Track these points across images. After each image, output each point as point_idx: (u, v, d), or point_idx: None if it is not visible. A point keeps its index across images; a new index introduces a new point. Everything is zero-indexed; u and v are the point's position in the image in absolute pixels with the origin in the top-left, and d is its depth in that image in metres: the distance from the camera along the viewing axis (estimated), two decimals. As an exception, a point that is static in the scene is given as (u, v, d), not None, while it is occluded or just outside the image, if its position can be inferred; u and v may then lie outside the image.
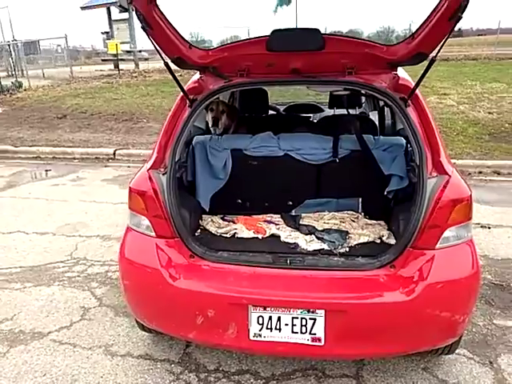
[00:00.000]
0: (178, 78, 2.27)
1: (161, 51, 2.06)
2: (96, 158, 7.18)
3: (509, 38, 30.64)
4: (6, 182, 5.97)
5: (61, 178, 6.10)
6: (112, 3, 18.10)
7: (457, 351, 2.38)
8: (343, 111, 3.46)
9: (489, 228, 4.15)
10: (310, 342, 1.87)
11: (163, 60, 2.12)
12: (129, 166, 6.69)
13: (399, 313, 1.83)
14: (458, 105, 8.68)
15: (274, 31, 2.11)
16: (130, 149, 7.31)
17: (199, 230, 2.48)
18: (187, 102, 2.34)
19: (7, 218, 4.54)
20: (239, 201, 2.76)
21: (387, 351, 1.95)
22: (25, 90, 12.86)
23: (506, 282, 3.18)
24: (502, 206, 4.75)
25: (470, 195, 1.96)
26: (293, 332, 1.88)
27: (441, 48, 1.87)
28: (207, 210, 2.62)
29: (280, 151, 2.62)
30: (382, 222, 2.50)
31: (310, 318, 1.86)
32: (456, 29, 1.81)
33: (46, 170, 6.50)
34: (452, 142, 6.91)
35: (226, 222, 2.54)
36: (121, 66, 17.22)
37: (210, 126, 2.95)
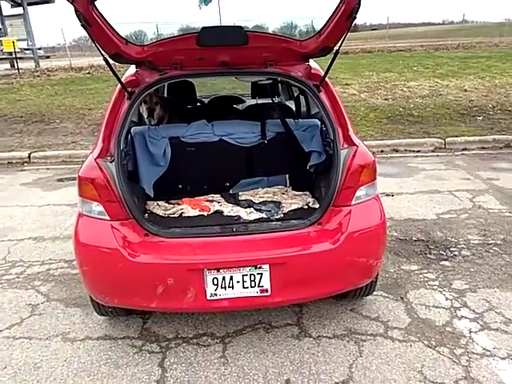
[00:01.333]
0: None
1: (100, 48, 2.20)
2: (9, 162, 6.76)
3: (396, 32, 34.05)
4: None
5: (-28, 186, 5.69)
6: (2, -3, 16.60)
7: (374, 293, 2.90)
8: (264, 100, 3.83)
9: (392, 196, 4.86)
10: (259, 294, 2.20)
11: (102, 56, 2.27)
12: (48, 169, 6.45)
13: (328, 260, 2.24)
14: (359, 93, 9.65)
15: (203, 28, 2.38)
16: (46, 151, 7.00)
17: (146, 214, 2.66)
18: (125, 94, 2.50)
19: None
20: (180, 186, 2.99)
21: (321, 292, 2.36)
22: None
23: (408, 237, 3.83)
24: (401, 177, 5.55)
25: (374, 160, 2.43)
26: (244, 287, 2.19)
27: (342, 42, 2.30)
28: (152, 195, 2.81)
29: (215, 137, 2.90)
30: (308, 193, 2.91)
31: (258, 273, 2.19)
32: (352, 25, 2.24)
33: (-48, 179, 6.00)
34: (357, 125, 7.73)
35: (172, 205, 2.76)
36: (19, 65, 15.92)
37: (145, 117, 3.11)
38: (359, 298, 2.82)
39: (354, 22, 2.18)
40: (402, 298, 2.91)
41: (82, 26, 2.02)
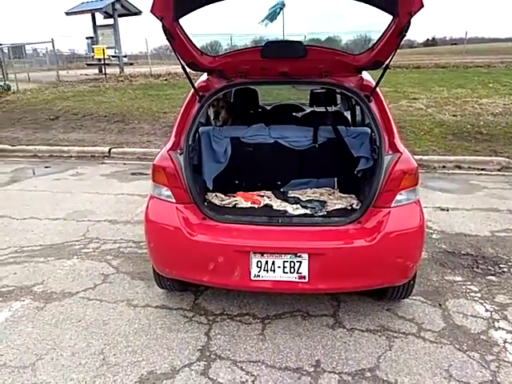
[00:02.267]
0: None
1: (179, 57, 2.61)
2: (92, 156, 7.62)
3: (477, 47, 32.34)
4: (10, 177, 6.37)
5: (61, 174, 6.54)
6: (97, 9, 18.44)
7: (413, 297, 3.01)
8: (321, 109, 4.07)
9: (447, 210, 4.83)
10: (297, 280, 2.45)
11: (180, 64, 2.68)
12: (124, 163, 7.17)
13: (364, 255, 2.43)
14: (426, 108, 9.47)
15: (267, 42, 2.71)
16: (124, 147, 7.78)
17: (205, 203, 3.03)
18: (197, 97, 2.90)
19: (19, 207, 4.97)
20: (236, 181, 3.33)
21: (356, 285, 2.54)
22: (13, 92, 13.10)
23: (457, 250, 3.84)
24: (459, 193, 5.47)
25: (416, 167, 2.58)
26: (284, 272, 2.45)
27: (392, 57, 2.50)
28: (211, 188, 3.17)
29: (270, 139, 3.20)
30: (353, 195, 3.10)
31: (297, 261, 2.44)
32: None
33: (46, 167, 6.92)
34: (420, 140, 7.66)
35: (227, 197, 3.10)
36: (106, 71, 17.56)
37: (211, 118, 3.51)
38: (396, 299, 2.95)
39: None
40: (440, 305, 2.98)
41: (167, 39, 2.43)
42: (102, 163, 7.26)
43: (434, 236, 4.12)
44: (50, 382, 2.26)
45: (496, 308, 2.94)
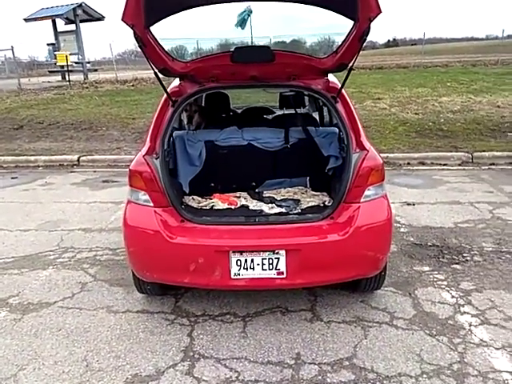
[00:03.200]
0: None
1: (151, 63, 2.66)
2: (60, 165, 7.47)
3: (435, 47, 33.70)
4: (-26, 189, 6.16)
5: (30, 184, 6.38)
6: (58, 15, 18.00)
7: (384, 288, 3.17)
8: (291, 111, 4.20)
9: (413, 205, 5.07)
10: (275, 276, 2.54)
11: (153, 70, 2.72)
12: (95, 171, 7.08)
13: (337, 248, 2.56)
14: (389, 108, 9.84)
15: (237, 47, 2.80)
16: (93, 155, 7.67)
17: (183, 206, 3.08)
18: (170, 102, 2.95)
19: (-14, 220, 4.84)
20: (212, 184, 3.39)
21: (331, 278, 2.66)
22: (-29, 102, 12.60)
23: (424, 242, 4.05)
24: (424, 188, 5.74)
25: (382, 163, 2.73)
26: (263, 269, 2.54)
27: (355, 59, 2.64)
28: (187, 191, 3.23)
29: (244, 141, 3.29)
30: (325, 193, 3.23)
31: (275, 258, 2.53)
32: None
33: (13, 178, 6.73)
34: (385, 138, 7.96)
35: (204, 199, 3.16)
36: (70, 78, 17.16)
37: (185, 123, 3.56)
38: (369, 290, 3.09)
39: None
40: (410, 294, 3.15)
41: (138, 46, 2.47)
42: (72, 172, 7.14)
43: (401, 230, 4.32)
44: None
45: (461, 294, 3.13)
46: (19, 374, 2.38)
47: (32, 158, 7.56)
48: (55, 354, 2.55)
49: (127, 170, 2.81)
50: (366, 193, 2.65)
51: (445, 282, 3.31)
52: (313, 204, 3.01)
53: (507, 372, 2.35)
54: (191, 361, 2.48)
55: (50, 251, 4.00)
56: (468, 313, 2.90)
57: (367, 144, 2.79)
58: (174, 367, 2.43)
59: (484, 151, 7.14)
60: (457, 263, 3.62)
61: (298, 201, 3.08)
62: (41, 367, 2.44)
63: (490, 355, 2.48)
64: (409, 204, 5.10)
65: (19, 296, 3.23)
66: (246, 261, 2.53)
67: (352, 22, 2.48)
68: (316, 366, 2.42)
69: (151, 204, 2.65)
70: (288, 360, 2.48)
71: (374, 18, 2.25)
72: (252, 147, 3.29)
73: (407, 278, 3.41)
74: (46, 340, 2.68)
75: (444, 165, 6.91)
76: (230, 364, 2.45)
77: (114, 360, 2.49)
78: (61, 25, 19.41)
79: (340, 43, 2.65)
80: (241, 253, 2.53)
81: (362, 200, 2.64)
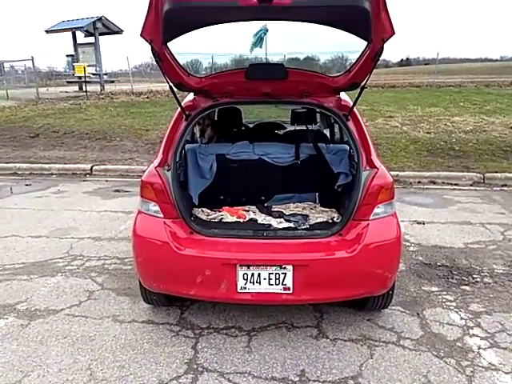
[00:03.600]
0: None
1: (167, 78, 2.72)
2: (73, 173, 7.59)
3: (449, 67, 33.75)
4: (-12, 195, 6.28)
5: (42, 191, 6.48)
6: (78, 28, 18.52)
7: (392, 307, 3.14)
8: (302, 127, 4.24)
9: (423, 224, 5.03)
10: (282, 291, 2.54)
11: (168, 84, 2.79)
12: (107, 181, 7.17)
13: (345, 265, 2.55)
14: (401, 126, 9.84)
15: (251, 65, 2.86)
16: (106, 165, 7.78)
17: (192, 218, 3.10)
18: (183, 116, 3.00)
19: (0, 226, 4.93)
20: (222, 197, 3.42)
21: (338, 295, 2.64)
22: (-9, 110, 12.93)
23: (433, 262, 4.01)
24: (434, 207, 5.69)
25: (392, 182, 2.73)
26: (269, 284, 2.54)
27: (368, 79, 2.67)
28: (197, 203, 3.25)
29: (254, 155, 3.33)
30: (334, 209, 3.23)
31: (282, 273, 2.53)
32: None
33: (26, 185, 6.85)
34: (396, 157, 7.94)
35: (213, 212, 3.19)
36: (87, 88, 17.54)
37: (197, 136, 3.61)
38: (376, 309, 3.06)
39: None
40: (418, 314, 3.11)
41: (155, 61, 2.54)
42: (84, 180, 7.24)
43: (411, 248, 4.28)
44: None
45: (470, 316, 3.08)
46: (24, 381, 2.40)
47: (46, 166, 7.70)
48: (60, 361, 2.56)
49: (139, 180, 2.86)
50: (376, 210, 2.65)
51: (454, 303, 3.26)
52: (321, 220, 3.01)
53: (516, 398, 2.29)
54: (195, 374, 2.47)
55: (60, 258, 4.04)
56: (477, 335, 2.85)
57: (377, 162, 2.80)
58: (178, 379, 2.42)
59: (496, 172, 7.08)
60: (466, 284, 3.57)
61: (307, 216, 3.08)
62: (45, 374, 2.45)
63: (498, 379, 2.43)
64: (419, 223, 5.06)
65: (27, 302, 3.26)
66: (252, 275, 2.54)
67: (366, 43, 2.52)
68: (320, 384, 2.39)
69: (161, 215, 2.68)
70: (292, 377, 2.45)
71: (387, 39, 2.29)
72: (263, 162, 3.31)
73: (415, 297, 3.37)
74: (51, 347, 2.70)
75: (455, 184, 6.85)
76: (234, 378, 2.44)
77: (118, 370, 2.49)
78: (80, 37, 19.99)
79: (353, 62, 2.68)
80: (248, 266, 2.54)
81: (371, 218, 2.63)
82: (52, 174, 7.57)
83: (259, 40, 2.72)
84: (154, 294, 2.96)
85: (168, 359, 2.59)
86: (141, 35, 2.29)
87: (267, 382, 2.42)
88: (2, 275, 3.70)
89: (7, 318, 3.03)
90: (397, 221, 2.75)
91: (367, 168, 2.77)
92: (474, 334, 2.86)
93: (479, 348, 2.71)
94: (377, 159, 2.83)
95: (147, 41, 2.37)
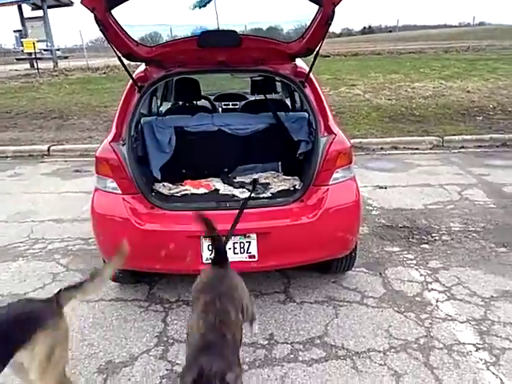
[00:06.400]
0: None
1: (115, 48, 2.60)
2: (30, 155, 7.25)
3: (410, 34, 34.08)
4: None
5: (-3, 175, 6.19)
6: (23, 1, 17.29)
7: (356, 269, 3.25)
8: (262, 97, 4.19)
9: (385, 188, 5.17)
10: (247, 259, 2.57)
11: (117, 55, 2.66)
12: (66, 161, 6.92)
13: (307, 231, 2.59)
14: (364, 94, 9.94)
15: (203, 32, 2.77)
16: (64, 144, 7.48)
17: (153, 193, 3.05)
18: (136, 88, 2.89)
19: (-48, 213, 4.67)
20: (184, 171, 3.37)
21: (302, 260, 2.70)
22: None
23: (394, 224, 4.15)
24: (396, 172, 5.86)
25: (350, 147, 2.77)
26: (234, 253, 2.56)
27: (321, 44, 2.65)
28: (159, 178, 3.19)
29: (214, 127, 3.28)
30: (296, 177, 3.25)
31: (246, 241, 2.55)
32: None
33: (-21, 169, 6.50)
34: (359, 124, 8.05)
35: (176, 186, 3.14)
36: (38, 65, 16.58)
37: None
38: (341, 271, 3.16)
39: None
40: (380, 274, 3.24)
41: (100, 30, 2.41)
42: (42, 162, 6.94)
43: (373, 212, 4.41)
44: (5, 381, 2.22)
45: (429, 272, 3.24)
46: (-12, 366, 2.34)
47: (0, 149, 7.31)
48: (25, 344, 2.51)
49: None
50: (335, 175, 2.68)
51: (414, 261, 3.41)
52: (283, 188, 3.03)
53: (471, 344, 2.46)
54: (165, 345, 2.49)
55: (20, 243, 3.91)
56: (435, 289, 3.01)
57: (335, 128, 2.82)
58: (148, 352, 2.44)
59: (454, 135, 7.32)
60: (426, 243, 3.73)
61: (268, 184, 3.09)
62: (10, 358, 2.40)
63: (454, 329, 2.59)
64: (381, 187, 5.20)
65: (-12, 288, 3.16)
66: None
67: (317, 7, 2.48)
68: (288, 345, 2.47)
69: (119, 191, 2.62)
70: (261, 341, 2.52)
71: (338, 3, 2.26)
72: (223, 133, 3.27)
73: (378, 258, 3.50)
74: (15, 331, 2.64)
75: (416, 149, 7.04)
76: (204, 347, 2.48)
77: (87, 348, 2.48)
78: (27, 11, 18.70)
79: (306, 28, 2.64)
80: None
81: (330, 183, 2.67)
82: (7, 157, 7.20)
83: (202, 1, 2.61)
84: (119, 272, 2.92)
85: (138, 334, 2.60)
86: (81, 3, 2.15)
87: (237, 347, 2.47)
88: (-42, 264, 3.55)
89: (-34, 306, 2.92)
90: (356, 185, 2.80)
91: (325, 134, 2.79)
92: (432, 289, 3.02)
93: (437, 301, 2.87)
94: (334, 125, 2.85)
95: (89, 9, 2.24)
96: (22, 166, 6.63)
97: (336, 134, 2.75)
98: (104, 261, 2.85)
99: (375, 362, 2.32)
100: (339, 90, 10.13)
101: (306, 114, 3.25)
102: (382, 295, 2.96)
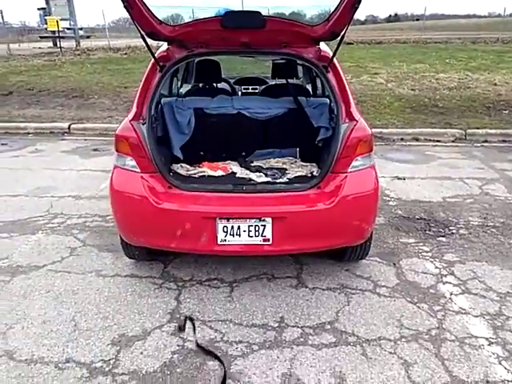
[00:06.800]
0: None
1: (138, 26, 2.59)
2: (51, 132, 7.36)
3: (437, 23, 33.12)
4: (-37, 155, 6.09)
5: (19, 151, 6.31)
6: (48, -23, 17.37)
7: (370, 258, 3.23)
8: (283, 81, 4.15)
9: (404, 179, 5.09)
10: (261, 242, 2.57)
11: (140, 33, 2.65)
12: (85, 139, 7.00)
13: (323, 217, 2.58)
14: (386, 83, 9.74)
15: (227, 12, 2.73)
16: (84, 123, 7.56)
17: (171, 173, 3.07)
18: (158, 67, 2.89)
19: (-24, 185, 4.81)
20: (201, 153, 3.37)
21: (316, 246, 2.70)
22: (-40, 67, 12.28)
23: (411, 215, 4.10)
24: (416, 163, 5.76)
25: (371, 134, 2.72)
26: (249, 236, 2.57)
27: (347, 28, 2.59)
28: (181, 158, 3.20)
29: (234, 110, 3.26)
30: (314, 164, 3.23)
31: (261, 225, 2.56)
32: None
33: (3, 144, 6.64)
34: (380, 114, 7.91)
35: (193, 167, 3.16)
36: (61, 44, 16.73)
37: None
38: (354, 260, 3.15)
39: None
40: (394, 264, 3.22)
41: (124, 7, 2.39)
42: (62, 139, 7.05)
43: (390, 203, 4.36)
44: (22, 348, 2.30)
45: (444, 265, 3.20)
46: (8, 333, 2.43)
47: (22, 125, 7.44)
48: (44, 314, 2.60)
49: None
50: (354, 163, 2.65)
51: (429, 254, 3.37)
52: (300, 174, 3.01)
53: (483, 338, 2.43)
54: (177, 322, 2.54)
55: (40, 217, 4.00)
56: (450, 282, 2.97)
57: (357, 115, 2.77)
58: (161, 328, 2.49)
59: (478, 128, 7.13)
60: (443, 236, 3.68)
61: (285, 170, 3.08)
62: (29, 326, 2.49)
63: (468, 322, 2.56)
64: (399, 178, 5.12)
65: (9, 259, 3.25)
66: (232, 228, 2.56)
67: None
68: (299, 329, 2.49)
69: (138, 170, 2.64)
70: (272, 323, 2.54)
71: None
72: (242, 116, 3.26)
73: (393, 249, 3.47)
74: (34, 301, 2.73)
75: (437, 141, 6.90)
76: (215, 326, 2.52)
77: (102, 321, 2.54)
78: (52, -12, 18.77)
79: (332, 11, 2.58)
80: (227, 219, 2.55)
81: (349, 170, 2.64)
82: (28, 133, 7.34)
83: None
84: (135, 249, 2.98)
85: (151, 310, 2.65)
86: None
87: (248, 328, 2.50)
88: (-20, 234, 3.66)
89: (-12, 275, 3.03)
90: (375, 173, 2.76)
91: (346, 121, 2.75)
92: (447, 282, 2.98)
93: (451, 294, 2.84)
94: (356, 112, 2.81)
95: None
96: (43, 143, 6.75)
97: (357, 121, 2.71)
98: (121, 238, 2.90)
99: (385, 350, 2.32)
100: (361, 78, 9.94)
101: (327, 100, 3.20)
102: (395, 285, 2.94)
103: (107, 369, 2.18)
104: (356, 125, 2.68)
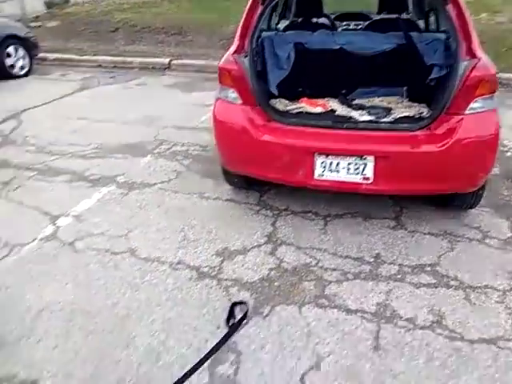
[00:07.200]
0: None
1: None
2: (153, 67, 7.71)
3: None
4: (80, 85, 6.68)
5: (126, 83, 6.75)
6: None
7: (481, 209, 2.99)
8: (391, 16, 3.79)
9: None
10: (361, 181, 2.52)
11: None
12: (184, 75, 7.25)
13: (432, 160, 2.43)
14: (509, 22, 8.50)
15: None
16: (183, 59, 7.80)
17: (269, 108, 3.05)
18: (260, 0, 2.81)
19: (92, 112, 5.29)
20: (300, 89, 3.29)
21: (421, 189, 2.57)
22: (72, 5, 13.16)
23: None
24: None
25: (495, 74, 2.41)
26: (348, 173, 2.52)
27: None
28: (276, 93, 3.16)
29: (336, 45, 3.08)
30: (423, 104, 2.95)
31: (362, 163, 2.48)
32: None
33: (111, 77, 7.15)
34: (500, 56, 6.98)
35: (292, 103, 3.10)
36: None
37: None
38: (463, 208, 2.96)
39: None
40: (508, 218, 2.96)
41: None
42: (163, 74, 7.38)
43: (508, 154, 3.96)
44: (141, 247, 2.64)
45: None
46: (129, 235, 2.78)
47: (128, 60, 7.90)
48: (157, 223, 2.90)
49: (215, 75, 2.84)
50: (473, 105, 2.40)
51: (548, 210, 3.06)
52: (407, 114, 2.80)
53: None
54: (274, 244, 2.67)
55: (148, 142, 4.33)
56: None
57: (480, 52, 2.46)
58: (259, 247, 2.65)
59: None
60: None
61: (390, 109, 2.89)
62: (147, 231, 2.81)
63: None
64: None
65: (124, 176, 3.62)
66: (331, 163, 2.53)
67: None
68: (396, 267, 2.47)
69: (240, 101, 2.68)
70: (367, 258, 2.56)
71: None
72: (344, 52, 3.08)
73: (508, 201, 3.18)
74: (148, 212, 3.05)
75: None
76: (310, 252, 2.60)
77: (207, 234, 2.77)
78: None
79: None
80: (326, 155, 2.52)
81: (466, 112, 2.41)
82: (133, 68, 7.77)
83: None
84: (234, 177, 3.11)
85: (250, 231, 2.81)
86: None
87: (342, 259, 2.55)
88: (100, 152, 4.09)
89: (110, 187, 3.42)
90: (496, 118, 2.48)
91: (467, 58, 2.46)
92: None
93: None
94: (479, 49, 2.49)
95: None
96: (147, 77, 7.13)
97: (480, 59, 2.41)
98: (222, 168, 3.05)
99: (491, 299, 2.22)
100: (480, 17, 8.77)
101: (443, 36, 2.89)
102: (508, 238, 2.73)
103: (213, 274, 2.42)
104: (478, 62, 2.39)
